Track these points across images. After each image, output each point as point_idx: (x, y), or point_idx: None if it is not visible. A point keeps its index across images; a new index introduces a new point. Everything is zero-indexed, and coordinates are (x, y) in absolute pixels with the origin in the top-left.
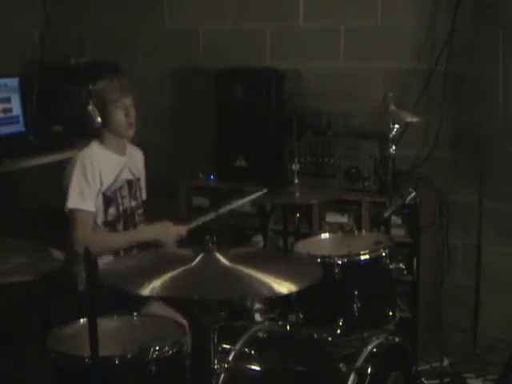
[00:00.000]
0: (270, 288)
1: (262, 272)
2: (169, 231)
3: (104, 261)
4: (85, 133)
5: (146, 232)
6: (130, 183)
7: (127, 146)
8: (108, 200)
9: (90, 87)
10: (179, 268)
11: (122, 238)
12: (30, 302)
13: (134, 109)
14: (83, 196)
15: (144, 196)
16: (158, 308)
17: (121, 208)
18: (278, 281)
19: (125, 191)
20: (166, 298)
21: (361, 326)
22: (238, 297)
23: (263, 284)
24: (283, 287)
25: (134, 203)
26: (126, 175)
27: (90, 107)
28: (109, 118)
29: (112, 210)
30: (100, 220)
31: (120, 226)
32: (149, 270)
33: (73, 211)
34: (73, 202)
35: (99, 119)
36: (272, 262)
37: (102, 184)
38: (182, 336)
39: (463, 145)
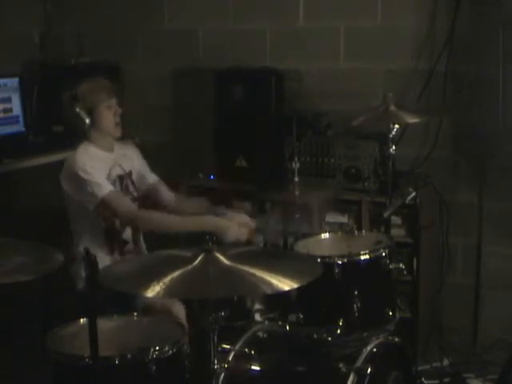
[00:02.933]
0: (271, 285)
1: (262, 270)
2: (230, 231)
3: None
4: (74, 135)
5: (207, 223)
6: (121, 178)
7: (114, 142)
8: None
9: (74, 91)
10: (180, 269)
11: (180, 220)
12: (30, 301)
13: (119, 108)
14: (102, 181)
15: (153, 178)
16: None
17: None
18: (278, 278)
19: (117, 187)
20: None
21: (361, 326)
22: (240, 295)
23: (264, 282)
24: (284, 284)
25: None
26: (117, 171)
27: (78, 109)
28: (98, 119)
29: None
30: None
31: (116, 221)
32: (149, 272)
33: (105, 198)
34: (99, 191)
35: (87, 120)
36: (272, 260)
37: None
38: (181, 336)
39: (463, 145)
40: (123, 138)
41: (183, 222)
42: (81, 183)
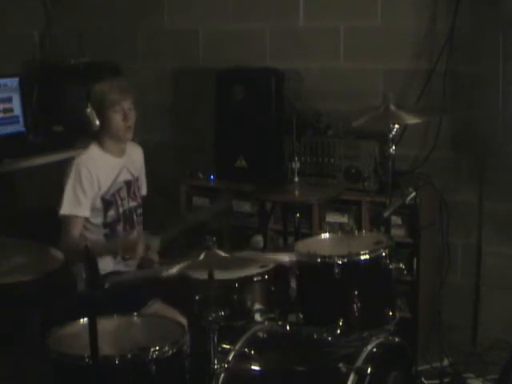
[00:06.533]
0: (271, 259)
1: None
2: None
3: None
4: (85, 134)
5: (117, 246)
6: (128, 184)
7: (126, 145)
8: (107, 203)
9: (89, 89)
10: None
11: (103, 249)
12: (30, 301)
13: (133, 111)
14: (79, 202)
15: (144, 192)
16: (158, 308)
17: (120, 209)
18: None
19: (123, 193)
20: (167, 297)
21: (361, 325)
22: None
23: (264, 258)
24: (284, 256)
25: (133, 204)
26: (125, 176)
27: (89, 110)
28: (107, 122)
29: (111, 213)
30: (99, 221)
31: (120, 227)
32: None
33: (65, 217)
34: (65, 208)
35: (97, 122)
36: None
37: (100, 188)
38: (181, 336)
39: (463, 145)
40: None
41: (107, 248)
42: (63, 187)
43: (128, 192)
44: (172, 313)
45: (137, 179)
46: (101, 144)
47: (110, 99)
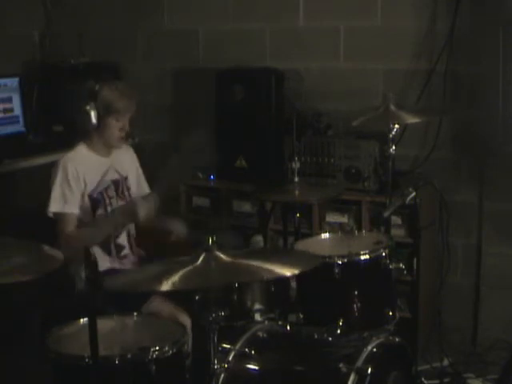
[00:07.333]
0: (273, 272)
1: (263, 261)
2: (137, 206)
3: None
4: (75, 131)
5: (117, 215)
6: (116, 183)
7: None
8: (95, 202)
9: (97, 87)
10: (185, 268)
11: (98, 230)
12: (30, 302)
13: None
14: (65, 199)
15: (147, 189)
16: (159, 304)
17: (109, 208)
18: (279, 266)
19: (111, 192)
20: (168, 295)
21: (361, 325)
22: (244, 281)
23: (265, 269)
24: (285, 271)
25: (121, 203)
26: (112, 176)
27: (88, 107)
28: (104, 126)
29: (100, 211)
30: (89, 221)
31: None
32: (156, 275)
33: (56, 215)
34: (55, 206)
35: (94, 121)
36: (272, 256)
37: (86, 186)
38: (181, 336)
39: (463, 145)
40: None
41: (102, 228)
42: (50, 186)
43: (116, 191)
44: (173, 309)
45: (125, 179)
46: (89, 144)
47: (116, 107)
